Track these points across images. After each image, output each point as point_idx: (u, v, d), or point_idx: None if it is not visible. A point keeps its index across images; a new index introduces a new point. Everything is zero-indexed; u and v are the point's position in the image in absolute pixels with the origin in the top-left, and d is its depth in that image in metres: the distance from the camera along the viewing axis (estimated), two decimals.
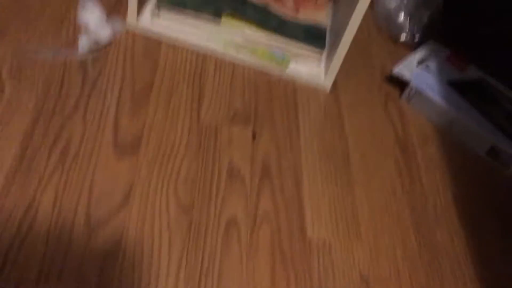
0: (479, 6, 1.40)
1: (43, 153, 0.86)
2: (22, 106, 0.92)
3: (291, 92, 1.13)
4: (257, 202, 0.90)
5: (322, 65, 1.19)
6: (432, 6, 1.34)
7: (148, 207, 0.84)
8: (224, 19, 1.15)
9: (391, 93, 1.22)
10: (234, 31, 1.15)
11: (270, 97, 1.10)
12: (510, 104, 1.20)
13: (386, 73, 1.26)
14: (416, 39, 1.33)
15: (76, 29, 1.08)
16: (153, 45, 1.13)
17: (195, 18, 1.14)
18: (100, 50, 1.06)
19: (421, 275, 0.88)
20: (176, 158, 0.92)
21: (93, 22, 1.05)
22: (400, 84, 1.21)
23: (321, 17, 1.24)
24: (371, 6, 1.13)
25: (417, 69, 1.21)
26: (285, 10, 1.22)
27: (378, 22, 1.38)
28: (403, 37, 1.34)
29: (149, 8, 1.17)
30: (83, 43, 1.04)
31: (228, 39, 1.15)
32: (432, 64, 1.23)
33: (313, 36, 1.17)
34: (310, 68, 1.18)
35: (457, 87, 1.19)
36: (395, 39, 1.36)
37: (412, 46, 1.32)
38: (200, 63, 1.13)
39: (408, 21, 1.32)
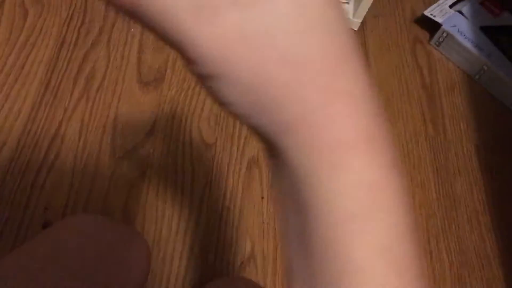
0: None
1: (68, 81, 0.86)
2: (45, 32, 0.90)
3: None
4: None
5: (352, 1, 1.14)
6: None
7: (171, 142, 0.85)
8: None
9: (420, 36, 1.18)
10: None
11: None
12: None
13: (417, 15, 1.21)
14: None
15: None
16: None
17: None
18: None
19: (437, 222, 0.89)
20: (200, 94, 0.92)
21: None
22: (431, 27, 1.16)
23: None
24: None
25: (450, 11, 1.16)
26: None
27: None
28: None
29: None
30: None
31: None
32: (466, 8, 1.18)
33: None
34: None
35: (490, 33, 1.15)
36: None
37: None
38: None
39: None
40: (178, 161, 0.83)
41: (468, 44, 1.11)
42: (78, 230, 0.54)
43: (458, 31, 1.12)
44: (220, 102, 0.19)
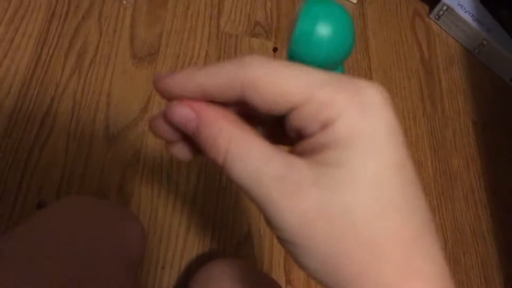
0: None
1: (59, 56, 0.83)
2: (35, 4, 0.87)
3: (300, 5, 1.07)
4: None
5: None
6: None
7: None
8: None
9: (420, 9, 1.16)
10: None
11: (293, 8, 1.05)
12: None
13: None
14: None
15: None
16: None
17: None
18: None
19: (433, 198, 0.90)
20: None
21: None
22: (430, 0, 1.14)
23: None
24: None
25: None
26: None
27: None
28: None
29: None
30: None
31: None
32: None
33: None
34: None
35: (491, 6, 1.12)
36: None
37: None
38: None
39: None
40: None
41: (468, 18, 1.09)
42: (72, 213, 0.53)
43: (458, 4, 1.10)
44: (299, 265, 0.21)
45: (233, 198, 0.79)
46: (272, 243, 0.77)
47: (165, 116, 0.23)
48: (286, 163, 0.20)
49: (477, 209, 0.90)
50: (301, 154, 0.21)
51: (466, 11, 1.09)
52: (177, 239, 0.74)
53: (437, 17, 1.13)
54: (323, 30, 0.22)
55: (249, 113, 0.24)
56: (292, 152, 0.22)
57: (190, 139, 0.25)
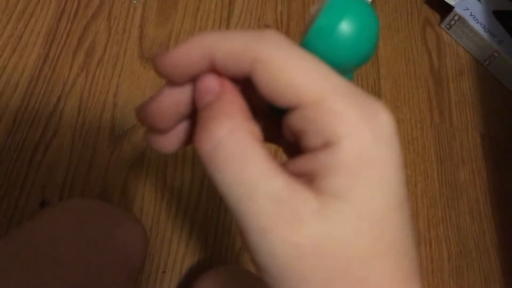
0: None
1: (67, 54, 0.83)
2: (44, 1, 0.87)
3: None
4: None
5: None
6: None
7: None
8: None
9: (431, 18, 1.15)
10: None
11: (303, 12, 1.04)
12: None
13: None
14: None
15: None
16: None
17: None
18: None
19: (438, 210, 0.89)
20: None
21: None
22: (442, 9, 1.13)
23: None
24: None
25: None
26: None
27: None
28: None
29: None
30: None
31: None
32: None
33: None
34: None
35: (503, 18, 1.11)
36: None
37: None
38: None
39: None
40: None
41: (479, 29, 1.08)
42: (74, 216, 0.53)
43: (470, 15, 1.09)
44: None
45: None
46: None
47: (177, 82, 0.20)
48: (289, 185, 0.17)
49: (482, 223, 0.89)
50: (298, 172, 0.18)
51: (478, 22, 1.08)
52: (179, 244, 0.73)
53: (448, 26, 1.12)
54: (348, 28, 0.19)
55: (245, 96, 0.21)
56: (286, 166, 0.19)
57: (180, 127, 0.22)
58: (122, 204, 0.73)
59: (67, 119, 0.77)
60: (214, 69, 0.20)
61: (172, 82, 0.21)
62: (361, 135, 0.17)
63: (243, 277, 0.63)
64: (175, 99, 0.21)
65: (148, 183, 0.76)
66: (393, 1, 1.14)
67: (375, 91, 0.99)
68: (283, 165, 0.19)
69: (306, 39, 0.20)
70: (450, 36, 1.13)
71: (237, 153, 0.17)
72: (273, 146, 0.24)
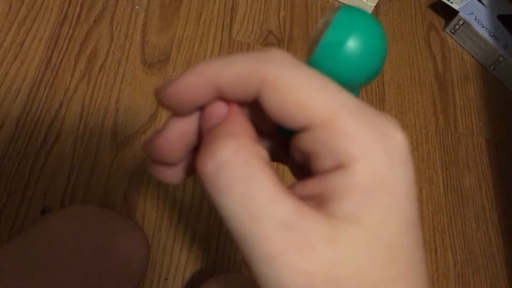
0: None
1: (69, 60, 0.83)
2: (47, 7, 0.87)
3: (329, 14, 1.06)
4: None
5: None
6: None
7: None
8: None
9: (435, 22, 1.14)
10: None
11: (306, 18, 1.03)
12: None
13: (432, 0, 1.16)
14: None
15: None
16: None
17: None
18: None
19: (444, 217, 0.88)
20: None
21: None
22: (447, 13, 1.12)
23: None
24: None
25: None
26: None
27: None
28: None
29: None
30: None
31: None
32: None
33: None
34: None
35: (508, 23, 1.10)
36: None
37: None
38: None
39: None
40: None
41: (484, 34, 1.07)
42: (76, 223, 0.52)
43: (475, 19, 1.08)
44: None
45: None
46: None
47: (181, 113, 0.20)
48: (299, 209, 0.16)
49: (488, 230, 0.88)
50: (307, 195, 0.18)
51: (483, 27, 1.08)
52: (181, 251, 0.72)
53: (453, 31, 1.12)
54: (356, 44, 0.19)
55: (251, 118, 0.21)
56: (294, 188, 0.18)
57: (186, 160, 0.22)
58: (124, 210, 0.73)
59: (69, 125, 0.77)
60: (220, 96, 0.19)
61: (177, 113, 0.20)
62: (375, 157, 0.17)
63: (246, 285, 0.62)
64: (182, 130, 0.21)
65: (150, 190, 0.76)
66: (397, 6, 1.13)
67: (379, 97, 0.98)
68: (290, 188, 0.19)
69: (313, 57, 0.20)
70: (455, 40, 1.12)
71: (243, 175, 0.17)
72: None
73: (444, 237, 0.86)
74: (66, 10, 0.87)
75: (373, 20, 0.20)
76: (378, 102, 0.97)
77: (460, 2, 1.10)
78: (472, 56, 1.11)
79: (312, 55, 0.20)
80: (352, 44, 0.19)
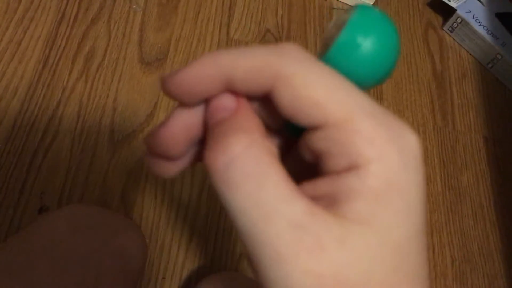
0: None
1: (67, 59, 0.83)
2: (44, 6, 0.87)
3: (327, 12, 1.06)
4: None
5: None
6: None
7: None
8: None
9: (433, 20, 1.14)
10: None
11: (304, 17, 1.03)
12: None
13: None
14: None
15: None
16: None
17: None
18: None
19: (441, 214, 0.88)
20: None
21: None
22: (445, 11, 1.12)
23: None
24: None
25: None
26: None
27: None
28: None
29: None
30: None
31: None
32: None
33: None
34: None
35: (506, 20, 1.10)
36: None
37: None
38: None
39: None
40: None
41: (482, 31, 1.07)
42: (73, 222, 0.52)
43: (473, 17, 1.08)
44: None
45: None
46: None
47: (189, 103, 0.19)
48: (310, 209, 0.16)
49: (486, 228, 0.88)
50: (318, 195, 0.17)
51: (480, 24, 1.07)
52: (178, 249, 0.73)
53: (450, 29, 1.12)
54: (373, 44, 0.19)
55: (259, 113, 0.20)
56: (303, 188, 0.18)
57: (187, 154, 0.21)
58: (122, 209, 0.73)
59: (66, 124, 0.77)
60: (230, 89, 0.19)
61: (183, 103, 0.20)
62: (389, 159, 0.16)
63: (243, 283, 0.62)
64: (187, 123, 0.20)
65: (148, 189, 0.76)
66: (395, 4, 1.13)
67: (377, 95, 0.98)
68: (300, 187, 0.18)
69: (327, 55, 0.19)
70: (453, 38, 1.12)
71: (254, 172, 0.16)
72: None
73: (442, 234, 0.86)
74: (64, 9, 0.87)
75: (389, 21, 0.20)
76: (376, 100, 0.97)
77: (458, 0, 1.10)
78: (470, 54, 1.11)
79: (326, 54, 0.19)
80: (368, 44, 0.19)
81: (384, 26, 0.19)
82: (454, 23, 1.10)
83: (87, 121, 0.78)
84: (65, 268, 0.48)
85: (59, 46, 0.83)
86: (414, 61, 1.06)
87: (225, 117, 0.18)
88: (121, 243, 0.53)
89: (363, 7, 0.20)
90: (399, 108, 0.98)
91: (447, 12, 1.10)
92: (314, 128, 0.17)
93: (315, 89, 0.17)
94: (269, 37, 0.98)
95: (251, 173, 0.16)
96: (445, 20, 1.13)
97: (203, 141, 0.20)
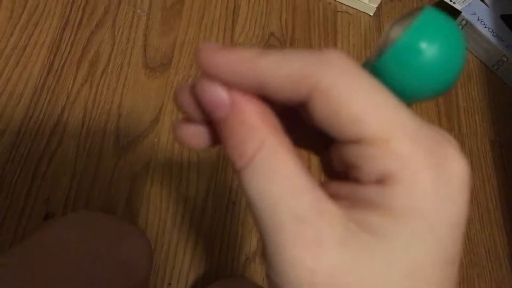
0: None
1: (72, 64, 0.83)
2: (49, 11, 0.87)
3: (331, 15, 1.06)
4: None
5: None
6: None
7: None
8: None
9: None
10: None
11: (308, 20, 1.03)
12: None
13: (435, 0, 1.16)
14: None
15: None
16: None
17: None
18: None
19: None
20: None
21: None
22: (449, 14, 1.11)
23: None
24: None
25: None
26: None
27: None
28: None
29: None
30: None
31: None
32: None
33: None
34: None
35: (511, 22, 1.10)
36: None
37: None
38: None
39: None
40: (183, 151, 0.80)
41: (487, 34, 1.07)
42: (77, 230, 0.52)
43: (478, 20, 1.07)
44: None
45: (242, 213, 0.77)
46: None
47: (193, 88, 0.19)
48: (317, 205, 0.16)
49: (493, 231, 0.88)
50: (340, 195, 0.17)
51: (485, 26, 1.07)
52: (184, 255, 0.72)
53: None
54: (437, 52, 0.16)
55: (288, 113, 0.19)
56: (328, 185, 0.18)
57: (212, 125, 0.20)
58: (127, 215, 0.73)
59: (71, 130, 0.77)
60: (260, 93, 0.18)
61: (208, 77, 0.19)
62: (420, 184, 0.16)
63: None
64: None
65: (153, 194, 0.75)
66: (399, 7, 1.13)
67: None
68: (325, 183, 0.18)
69: (380, 61, 0.18)
70: None
71: (266, 168, 0.17)
72: None
73: None
74: (68, 15, 0.87)
75: (458, 29, 0.17)
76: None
77: (463, 2, 1.09)
78: (475, 56, 1.10)
79: (379, 59, 0.18)
80: (432, 52, 0.16)
81: (452, 33, 0.17)
82: (459, 25, 1.10)
83: (92, 127, 0.78)
84: (70, 277, 0.48)
85: (64, 51, 0.83)
86: None
87: (225, 115, 0.18)
88: (126, 250, 0.53)
89: (430, 10, 0.17)
90: None
91: (452, 14, 1.10)
92: (348, 142, 0.17)
93: (355, 105, 0.16)
94: (273, 40, 0.97)
95: (263, 170, 0.17)
96: None
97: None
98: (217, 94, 0.18)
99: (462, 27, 1.09)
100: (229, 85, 0.18)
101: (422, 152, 0.16)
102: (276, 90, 0.17)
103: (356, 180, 0.17)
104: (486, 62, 1.09)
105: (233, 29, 0.96)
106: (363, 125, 0.16)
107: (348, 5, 1.08)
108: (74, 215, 0.56)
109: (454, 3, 1.09)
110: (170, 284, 0.70)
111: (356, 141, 0.16)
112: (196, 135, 0.21)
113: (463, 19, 1.08)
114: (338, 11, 1.06)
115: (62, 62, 0.82)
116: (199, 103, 0.19)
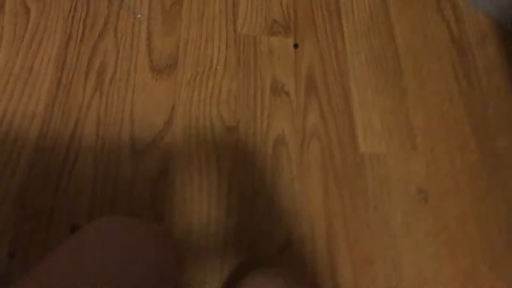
0: None
1: (79, 77, 0.82)
2: (50, 28, 0.87)
3: None
4: (304, 118, 0.85)
5: None
6: None
7: (192, 128, 0.81)
8: None
9: None
10: None
11: (310, 3, 1.01)
12: None
13: None
14: None
15: None
16: None
17: None
18: None
19: (481, 184, 0.84)
20: (215, 75, 0.87)
21: None
22: None
23: None
24: None
25: None
26: None
27: None
28: None
29: None
30: None
31: None
32: None
33: None
34: None
35: None
36: None
37: None
38: None
39: None
40: (200, 148, 0.79)
41: None
42: (102, 236, 0.51)
43: None
44: None
45: (268, 203, 0.76)
46: (314, 249, 0.74)
47: None
48: None
49: None
50: None
51: None
52: (215, 252, 0.71)
53: None
54: None
55: None
56: None
57: None
58: (152, 218, 0.72)
59: (87, 142, 0.77)
60: None
61: None
62: None
63: (287, 276, 0.60)
64: None
65: (176, 195, 0.74)
66: None
67: (396, 71, 0.95)
68: None
69: None
70: (466, 2, 1.08)
71: None
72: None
73: (484, 202, 0.82)
74: (70, 29, 0.87)
75: None
76: (395, 77, 0.94)
77: None
78: (487, 15, 1.06)
79: None
80: None
81: None
82: None
83: (107, 136, 0.78)
84: (98, 284, 0.47)
85: (70, 65, 0.83)
86: (429, 31, 1.02)
87: None
88: (154, 250, 0.52)
89: None
90: (421, 81, 0.94)
91: None
92: None
93: None
94: (277, 27, 0.96)
95: None
96: None
97: None
98: None
99: None
100: None
101: None
102: None
103: None
104: (499, 19, 1.05)
105: (235, 22, 0.95)
106: None
107: None
108: (94, 223, 0.56)
109: None
110: (206, 283, 0.69)
111: None
112: None
113: None
114: None
115: (70, 76, 0.82)
116: None
